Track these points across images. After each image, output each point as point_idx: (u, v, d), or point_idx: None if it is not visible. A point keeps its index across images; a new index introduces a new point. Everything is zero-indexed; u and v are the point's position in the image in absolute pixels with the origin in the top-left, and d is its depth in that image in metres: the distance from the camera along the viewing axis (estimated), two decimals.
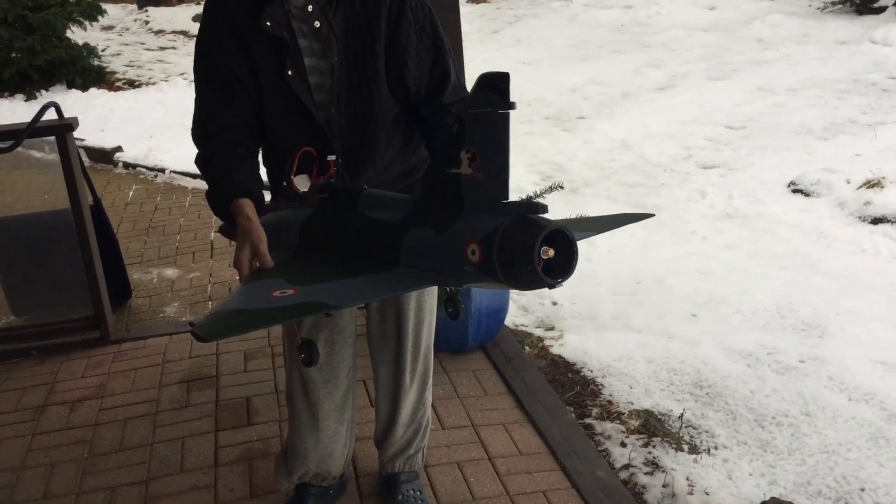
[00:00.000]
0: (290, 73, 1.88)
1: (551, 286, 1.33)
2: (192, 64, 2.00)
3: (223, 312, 1.44)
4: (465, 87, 2.04)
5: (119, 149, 6.96)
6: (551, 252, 1.32)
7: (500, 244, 1.33)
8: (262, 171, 2.10)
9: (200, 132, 1.94)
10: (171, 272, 4.47)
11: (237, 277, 1.76)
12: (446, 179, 1.45)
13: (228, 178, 1.85)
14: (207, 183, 1.91)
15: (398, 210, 1.59)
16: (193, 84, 1.99)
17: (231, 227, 1.85)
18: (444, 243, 1.44)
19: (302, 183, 1.88)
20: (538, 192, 3.28)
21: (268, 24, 1.85)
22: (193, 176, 6.02)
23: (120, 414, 3.03)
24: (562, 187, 3.44)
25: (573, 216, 3.38)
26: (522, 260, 1.31)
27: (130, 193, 6.07)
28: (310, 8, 1.88)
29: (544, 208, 1.35)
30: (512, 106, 1.35)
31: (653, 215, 2.03)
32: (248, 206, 1.81)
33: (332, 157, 1.93)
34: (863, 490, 2.56)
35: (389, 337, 2.22)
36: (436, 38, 1.98)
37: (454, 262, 1.41)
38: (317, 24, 1.88)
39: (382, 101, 1.96)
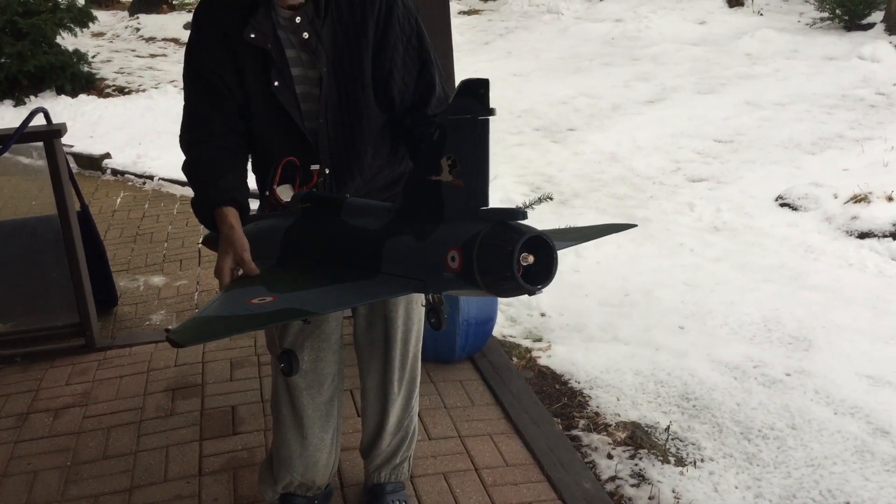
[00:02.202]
0: (276, 83, 1.89)
1: (531, 293, 1.33)
2: (182, 72, 2.01)
3: (200, 319, 1.45)
4: (450, 99, 2.05)
5: (108, 155, 6.94)
6: (531, 258, 1.32)
7: (480, 250, 1.33)
8: (252, 178, 2.10)
9: (188, 138, 1.95)
10: (157, 280, 4.45)
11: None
12: (427, 187, 1.45)
13: (214, 186, 1.86)
14: (193, 189, 1.92)
15: (380, 218, 1.60)
16: (183, 91, 2.00)
17: (215, 237, 1.85)
18: (425, 250, 1.44)
19: (284, 193, 1.89)
20: (527, 203, 3.29)
21: (252, 35, 1.86)
22: (182, 183, 6.00)
23: (104, 422, 3.01)
24: (551, 198, 3.46)
25: (562, 227, 3.40)
26: (501, 266, 1.30)
27: (118, 200, 6.05)
28: (297, 19, 1.88)
29: (524, 215, 1.35)
30: (491, 112, 1.35)
31: (635, 226, 2.04)
32: (231, 214, 1.82)
33: (315, 167, 1.94)
34: (848, 503, 2.57)
35: (377, 345, 2.21)
36: (422, 49, 1.98)
37: (434, 269, 1.41)
38: (305, 35, 1.89)
39: (370, 110, 1.97)
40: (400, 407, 2.29)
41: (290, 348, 2.01)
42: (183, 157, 1.96)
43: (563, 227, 3.27)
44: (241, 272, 1.74)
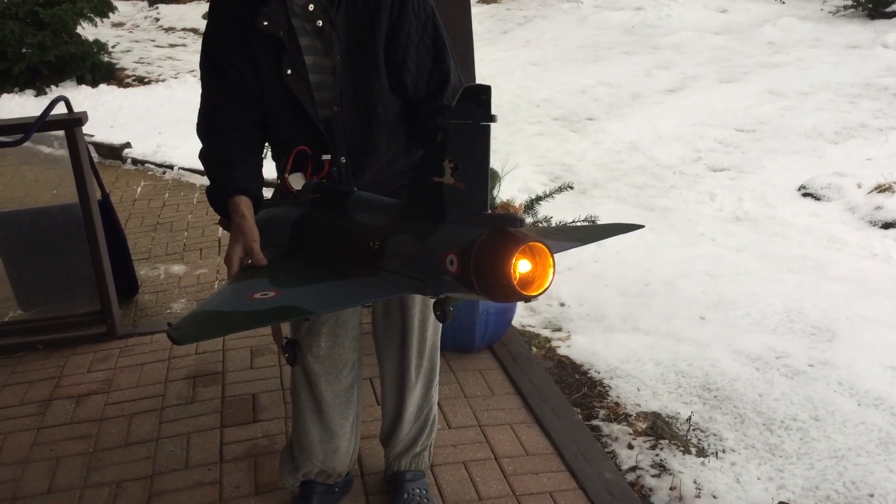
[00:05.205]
0: (288, 72, 1.89)
1: (526, 300, 1.35)
2: (199, 61, 2.02)
3: (201, 314, 1.46)
4: None
5: (128, 145, 6.97)
6: (528, 265, 1.34)
7: (477, 256, 1.35)
8: (272, 167, 2.11)
9: (204, 128, 1.98)
10: (178, 268, 4.47)
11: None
12: (430, 188, 1.47)
13: (228, 175, 1.88)
14: (208, 178, 1.93)
15: (384, 215, 1.62)
16: (200, 80, 2.00)
17: (229, 222, 1.86)
18: (425, 252, 1.46)
19: (296, 181, 1.91)
20: (547, 193, 3.27)
21: (265, 23, 1.85)
22: (201, 173, 6.00)
23: (125, 409, 3.02)
24: (571, 188, 3.43)
25: (581, 218, 3.38)
26: (498, 272, 1.32)
27: (139, 189, 6.08)
28: (311, 7, 1.88)
29: (522, 222, 1.37)
30: (492, 119, 1.37)
31: (642, 226, 2.02)
32: (244, 203, 1.83)
33: (326, 157, 1.94)
34: (872, 496, 2.54)
35: (394, 333, 2.21)
36: (437, 38, 1.97)
37: (433, 270, 1.44)
38: (319, 22, 1.88)
39: (385, 98, 1.96)
40: (419, 395, 2.29)
41: (297, 338, 2.02)
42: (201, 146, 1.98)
43: (572, 223, 3.25)
44: (249, 261, 1.75)
